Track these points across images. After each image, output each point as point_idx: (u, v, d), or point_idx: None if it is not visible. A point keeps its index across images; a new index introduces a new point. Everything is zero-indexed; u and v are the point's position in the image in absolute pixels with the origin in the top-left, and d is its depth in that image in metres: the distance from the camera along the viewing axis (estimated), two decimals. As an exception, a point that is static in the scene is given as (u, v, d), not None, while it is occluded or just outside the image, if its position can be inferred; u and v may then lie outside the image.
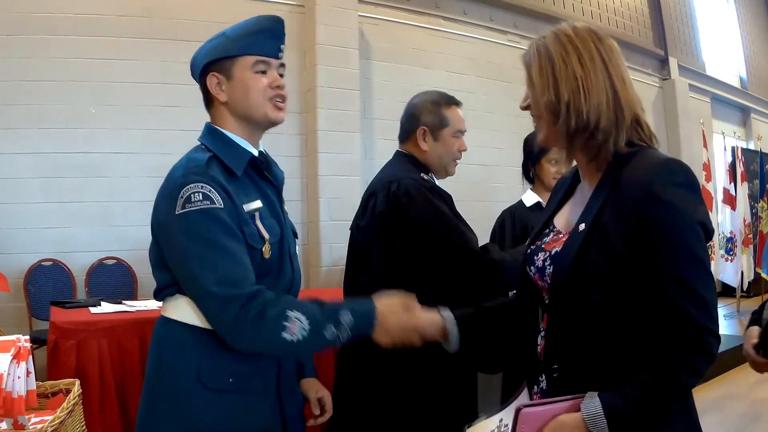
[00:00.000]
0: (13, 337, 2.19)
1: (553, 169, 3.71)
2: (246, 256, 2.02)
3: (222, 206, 1.99)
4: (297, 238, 2.42)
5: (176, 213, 1.98)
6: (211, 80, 2.18)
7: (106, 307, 4.49)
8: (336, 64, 7.52)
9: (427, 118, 3.10)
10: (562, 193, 2.03)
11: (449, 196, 3.00)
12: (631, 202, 1.66)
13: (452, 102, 3.15)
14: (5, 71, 6.37)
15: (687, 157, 11.50)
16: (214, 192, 1.99)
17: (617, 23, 11.27)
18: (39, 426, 2.21)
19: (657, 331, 1.65)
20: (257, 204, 2.14)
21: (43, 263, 6.45)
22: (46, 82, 6.51)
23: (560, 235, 1.87)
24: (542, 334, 1.89)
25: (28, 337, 2.24)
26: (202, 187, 1.99)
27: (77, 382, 2.54)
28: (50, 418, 2.23)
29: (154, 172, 2.11)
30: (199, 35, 2.32)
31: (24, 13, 6.47)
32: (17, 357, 2.12)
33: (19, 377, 2.10)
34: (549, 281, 1.82)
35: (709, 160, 11.12)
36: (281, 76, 2.25)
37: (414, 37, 8.40)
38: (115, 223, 6.65)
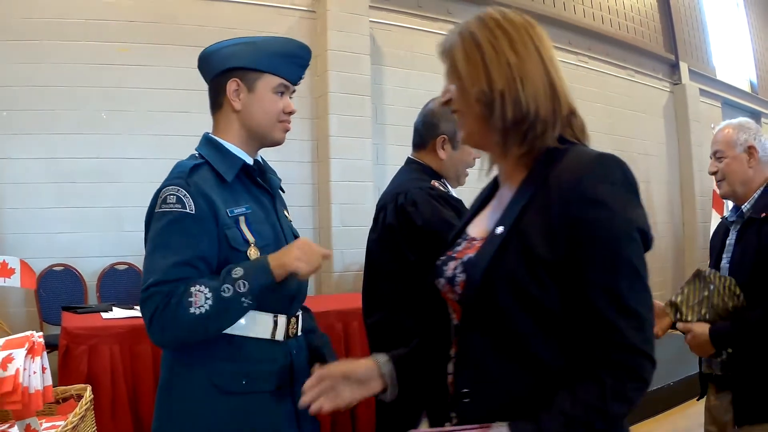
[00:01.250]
0: (27, 333, 2.20)
1: None
2: (195, 265, 2.03)
3: (194, 212, 2.03)
4: None
5: (154, 212, 2.07)
6: (231, 85, 2.19)
7: (117, 313, 4.51)
8: (347, 69, 7.52)
9: (447, 126, 3.02)
10: (479, 202, 1.82)
11: (461, 203, 2.94)
12: (559, 203, 1.46)
13: None
14: (17, 76, 6.39)
15: (698, 162, 11.47)
16: (189, 197, 2.04)
17: (627, 28, 11.24)
18: (51, 431, 2.22)
19: (582, 350, 1.45)
20: (244, 209, 2.17)
21: (54, 268, 6.46)
22: (58, 87, 6.53)
23: (475, 242, 1.65)
24: (453, 360, 1.65)
25: (41, 333, 2.25)
26: (178, 190, 2.05)
27: (89, 387, 2.55)
28: (62, 423, 2.24)
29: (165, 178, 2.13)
30: (211, 41, 2.32)
31: (35, 18, 6.49)
32: (31, 352, 2.13)
33: (34, 372, 2.12)
34: (460, 291, 1.59)
35: (720, 165, 11.03)
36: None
37: (425, 43, 8.38)
38: (126, 229, 6.65)
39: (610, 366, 1.41)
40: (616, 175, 1.49)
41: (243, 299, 2.01)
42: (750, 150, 3.05)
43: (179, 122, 6.64)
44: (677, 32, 12.15)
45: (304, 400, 1.73)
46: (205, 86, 2.32)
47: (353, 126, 7.51)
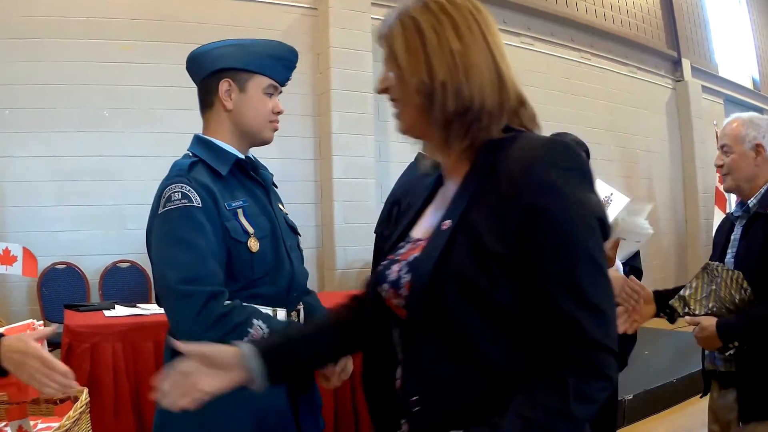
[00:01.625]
0: (27, 321, 2.21)
1: None
2: (214, 257, 2.07)
3: (200, 205, 2.07)
4: (299, 235, 2.48)
5: (158, 213, 2.09)
6: (223, 86, 2.23)
7: (120, 311, 4.50)
8: (349, 66, 7.52)
9: None
10: (421, 201, 1.68)
11: None
12: (510, 191, 1.35)
13: None
14: (18, 75, 6.39)
15: (701, 159, 11.48)
16: (193, 191, 2.07)
17: (630, 25, 11.23)
18: (47, 432, 2.23)
19: (540, 349, 1.34)
20: (241, 201, 2.20)
21: (56, 266, 6.46)
22: (59, 85, 6.53)
23: (420, 242, 1.52)
24: (400, 365, 1.52)
25: (41, 321, 2.26)
26: (181, 186, 2.08)
27: (86, 390, 2.56)
28: (56, 425, 2.24)
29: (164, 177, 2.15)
30: (212, 39, 2.34)
31: (36, 16, 6.49)
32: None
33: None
34: (405, 294, 1.46)
35: (722, 162, 11.03)
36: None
37: (427, 40, 8.38)
38: (128, 226, 6.66)
39: (571, 364, 1.31)
40: (569, 160, 1.38)
41: None
42: (758, 148, 3.01)
43: (181, 120, 6.62)
44: (679, 29, 12.14)
45: (155, 398, 1.63)
46: (205, 83, 2.34)
47: (355, 123, 7.51)
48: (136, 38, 6.85)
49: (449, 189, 1.54)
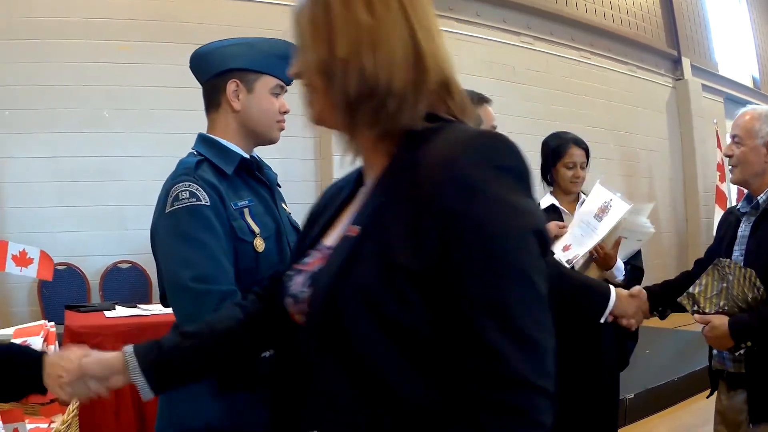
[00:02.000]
0: (39, 322, 2.21)
1: (570, 172, 3.70)
2: (225, 255, 2.06)
3: (208, 203, 2.05)
4: None
5: (165, 212, 2.06)
6: (231, 86, 2.22)
7: (120, 311, 4.51)
8: (349, 66, 7.48)
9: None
10: (338, 203, 1.47)
11: None
12: (428, 193, 1.12)
13: (483, 100, 3.17)
14: (18, 76, 6.40)
15: (701, 158, 11.47)
16: (201, 190, 2.05)
17: (630, 23, 11.22)
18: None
19: (456, 384, 1.09)
20: (247, 201, 2.20)
21: (57, 267, 6.42)
22: (60, 86, 6.53)
23: (329, 251, 1.30)
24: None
25: (52, 323, 2.26)
26: (189, 185, 2.06)
27: (76, 394, 2.56)
28: (45, 426, 2.24)
29: (168, 176, 2.13)
30: (211, 39, 2.33)
31: (36, 17, 6.49)
32: (47, 340, 2.14)
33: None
34: (306, 310, 1.27)
35: (723, 161, 11.06)
36: None
37: (426, 39, 8.38)
38: (129, 227, 6.66)
39: (491, 407, 1.06)
40: (501, 157, 1.17)
41: None
42: None
43: (181, 120, 6.61)
44: (679, 28, 12.13)
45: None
46: (205, 83, 2.33)
47: (355, 123, 7.48)
48: (135, 39, 6.85)
49: (368, 189, 1.33)
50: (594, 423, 3.47)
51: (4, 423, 2.10)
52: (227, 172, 2.18)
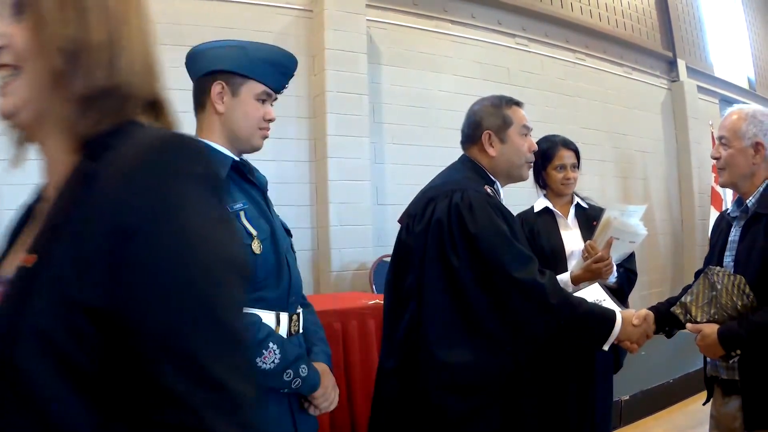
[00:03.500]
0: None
1: (560, 175, 3.73)
2: None
3: None
4: (291, 237, 2.48)
5: None
6: (216, 88, 2.22)
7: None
8: (344, 68, 7.51)
9: (489, 120, 3.00)
10: (21, 220, 1.32)
11: (511, 216, 2.89)
12: (103, 212, 0.94)
13: (512, 102, 3.08)
14: (14, 78, 6.37)
15: (696, 159, 11.48)
16: None
17: (625, 25, 11.23)
18: None
19: None
20: (241, 204, 2.20)
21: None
22: (55, 88, 6.51)
23: (4, 284, 1.04)
24: None
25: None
26: None
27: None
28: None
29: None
30: (206, 41, 2.33)
31: (32, 20, 6.47)
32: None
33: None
34: None
35: (718, 162, 11.04)
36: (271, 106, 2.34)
37: (422, 41, 8.38)
38: (124, 229, 6.64)
39: None
40: (190, 165, 1.01)
41: (291, 384, 2.17)
42: (757, 146, 2.89)
43: (179, 122, 6.60)
44: (675, 29, 12.14)
45: None
46: (201, 86, 2.34)
47: (351, 125, 7.49)
48: (131, 41, 6.84)
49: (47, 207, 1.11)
50: (587, 425, 3.48)
51: None
52: (221, 176, 2.17)
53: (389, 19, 8.28)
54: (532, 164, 3.25)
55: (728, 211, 3.10)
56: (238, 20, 7.14)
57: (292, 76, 2.37)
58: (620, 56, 11.08)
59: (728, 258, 2.94)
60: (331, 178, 7.35)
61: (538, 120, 9.95)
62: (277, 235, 2.27)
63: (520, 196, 4.43)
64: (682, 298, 2.89)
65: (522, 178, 3.14)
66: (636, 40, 11.37)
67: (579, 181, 3.92)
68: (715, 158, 3.02)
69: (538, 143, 3.75)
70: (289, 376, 2.11)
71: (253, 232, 2.16)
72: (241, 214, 2.16)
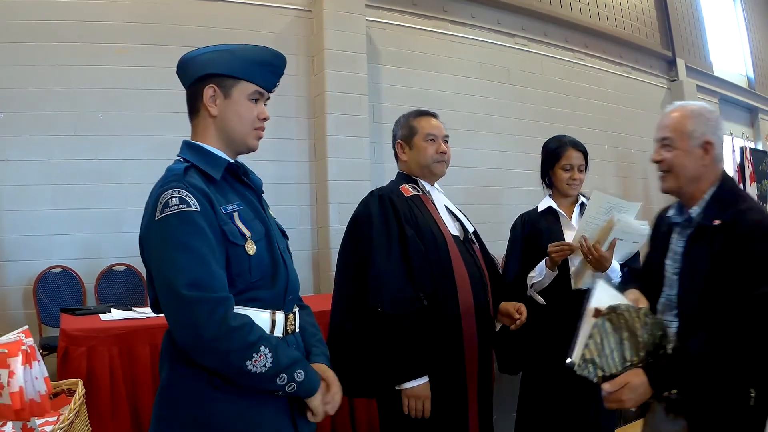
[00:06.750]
0: (16, 336, 2.18)
1: (566, 175, 3.71)
2: (217, 260, 2.05)
3: (198, 209, 2.04)
4: (287, 239, 2.48)
5: (155, 219, 2.04)
6: (208, 92, 2.23)
7: (116, 314, 4.50)
8: (344, 68, 7.52)
9: (400, 131, 3.45)
10: None
11: (404, 204, 3.30)
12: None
13: (423, 114, 3.45)
14: (14, 78, 6.39)
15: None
16: (191, 196, 2.05)
17: (624, 25, 11.24)
18: (48, 428, 2.22)
19: None
20: (236, 205, 2.20)
21: (52, 270, 6.45)
22: (55, 89, 6.53)
23: None
24: None
25: (30, 334, 2.22)
26: (179, 192, 2.05)
27: (80, 381, 2.58)
28: (54, 419, 2.24)
29: (155, 183, 2.14)
30: (207, 42, 2.35)
31: (32, 20, 6.48)
32: (27, 361, 2.13)
33: (36, 378, 2.15)
34: None
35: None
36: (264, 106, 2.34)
37: (422, 41, 8.41)
38: (124, 230, 6.65)
39: None
40: None
41: (285, 388, 2.13)
42: (706, 146, 2.60)
43: (177, 123, 6.52)
44: (674, 29, 12.16)
45: None
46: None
47: (350, 125, 7.51)
48: (131, 42, 6.85)
49: None
50: (590, 424, 3.48)
51: (13, 419, 2.10)
52: (215, 177, 2.18)
53: (389, 19, 8.29)
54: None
55: (668, 215, 2.89)
56: (238, 21, 7.16)
57: (282, 74, 2.38)
58: (620, 56, 11.10)
59: (670, 268, 2.66)
60: (331, 178, 7.37)
61: (537, 119, 10.03)
62: (273, 236, 2.27)
63: (530, 196, 4.43)
64: (575, 355, 2.44)
65: (435, 175, 3.45)
66: (635, 39, 11.39)
67: (580, 180, 3.92)
68: (656, 162, 2.74)
69: (547, 143, 3.84)
70: (283, 381, 2.09)
71: (247, 233, 2.15)
72: (235, 215, 2.15)
